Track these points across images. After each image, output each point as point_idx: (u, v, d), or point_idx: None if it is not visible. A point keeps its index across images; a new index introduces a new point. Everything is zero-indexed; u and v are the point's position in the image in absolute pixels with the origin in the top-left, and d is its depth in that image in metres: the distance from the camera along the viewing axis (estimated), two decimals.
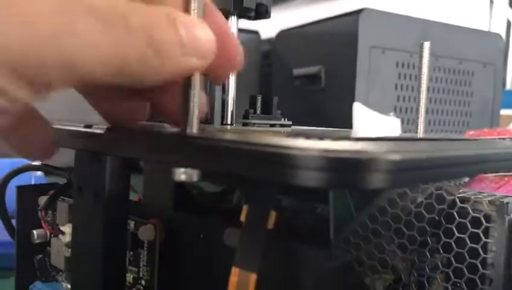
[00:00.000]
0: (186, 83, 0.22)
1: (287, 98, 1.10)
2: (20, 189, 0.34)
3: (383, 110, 0.99)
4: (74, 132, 0.24)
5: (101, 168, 0.23)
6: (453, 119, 1.04)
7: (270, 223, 0.21)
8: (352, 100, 0.89)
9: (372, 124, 0.90)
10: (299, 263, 0.22)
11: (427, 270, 0.34)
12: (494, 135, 0.81)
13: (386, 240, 0.35)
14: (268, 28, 1.18)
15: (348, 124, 0.89)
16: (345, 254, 0.26)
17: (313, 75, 1.01)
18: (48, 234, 0.33)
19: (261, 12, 0.38)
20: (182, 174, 0.21)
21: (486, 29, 1.68)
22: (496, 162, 0.23)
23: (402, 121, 1.04)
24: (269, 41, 1.17)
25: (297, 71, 1.06)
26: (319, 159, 0.16)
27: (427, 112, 1.04)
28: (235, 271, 0.22)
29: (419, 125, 0.36)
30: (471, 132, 0.83)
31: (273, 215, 0.21)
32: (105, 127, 0.23)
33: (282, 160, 0.16)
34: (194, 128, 0.22)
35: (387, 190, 0.25)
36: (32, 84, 0.18)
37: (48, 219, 0.33)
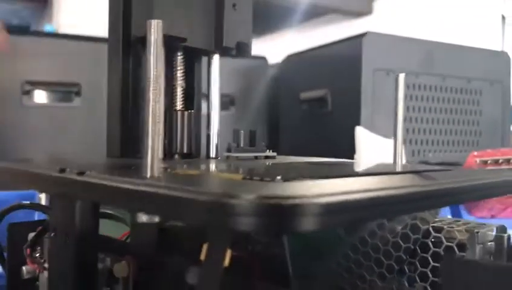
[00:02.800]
0: (146, 131, 0.23)
1: (295, 122, 1.11)
2: (12, 226, 0.35)
3: (389, 132, 0.99)
4: (48, 177, 0.25)
5: (71, 211, 0.25)
6: (463, 139, 1.04)
7: (226, 261, 0.22)
8: (358, 123, 0.89)
9: (374, 148, 0.91)
10: None
11: None
12: (498, 155, 0.81)
13: (367, 270, 0.35)
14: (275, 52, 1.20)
15: (354, 146, 0.89)
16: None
17: (320, 98, 1.02)
18: (37, 269, 0.35)
19: (243, 50, 0.40)
20: (143, 216, 0.22)
21: (499, 47, 1.67)
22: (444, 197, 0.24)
23: (410, 142, 1.04)
24: (276, 66, 1.19)
25: (304, 95, 1.07)
26: (247, 207, 0.17)
27: (435, 132, 1.03)
28: None
29: (397, 156, 0.36)
30: (475, 153, 0.83)
31: (228, 253, 0.22)
32: (76, 171, 0.25)
33: (215, 207, 0.17)
34: (155, 171, 0.23)
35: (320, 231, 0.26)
36: None
37: (37, 255, 0.34)
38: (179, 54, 0.39)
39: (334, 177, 0.24)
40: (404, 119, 0.37)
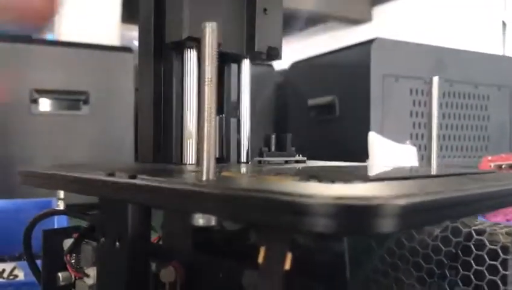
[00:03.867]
0: (201, 134, 0.23)
1: (303, 128, 1.11)
2: (46, 233, 0.35)
3: (399, 138, 0.99)
4: (97, 180, 0.25)
5: (123, 215, 0.24)
6: (471, 145, 1.04)
7: (287, 265, 0.22)
8: (367, 129, 0.90)
9: (387, 154, 0.90)
10: None
11: None
12: None
13: (405, 274, 0.35)
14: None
15: (364, 153, 0.90)
16: None
17: (327, 104, 1.02)
18: (73, 276, 0.34)
19: (273, 55, 0.40)
20: (200, 219, 0.22)
21: (500, 52, 1.68)
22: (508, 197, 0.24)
23: (419, 147, 1.04)
24: (283, 72, 1.19)
25: (311, 101, 1.07)
26: (327, 207, 0.16)
27: (443, 138, 1.04)
28: None
29: (432, 160, 0.36)
30: (490, 157, 0.83)
31: (289, 256, 0.22)
32: (126, 175, 0.24)
33: (293, 208, 0.17)
34: (210, 174, 0.23)
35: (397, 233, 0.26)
36: None
37: (73, 261, 0.34)
38: None
39: (392, 179, 0.24)
40: (440, 126, 0.37)
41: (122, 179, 0.24)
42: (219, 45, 0.37)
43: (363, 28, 2.35)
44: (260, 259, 0.23)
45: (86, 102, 0.97)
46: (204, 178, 0.23)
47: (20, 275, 0.55)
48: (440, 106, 0.99)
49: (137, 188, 0.23)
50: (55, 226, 0.51)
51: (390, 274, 0.35)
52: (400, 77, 0.97)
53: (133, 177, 0.24)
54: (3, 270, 0.56)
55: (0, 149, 0.88)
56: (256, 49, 0.38)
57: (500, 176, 0.30)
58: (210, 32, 0.23)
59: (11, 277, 0.55)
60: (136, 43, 0.40)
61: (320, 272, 0.25)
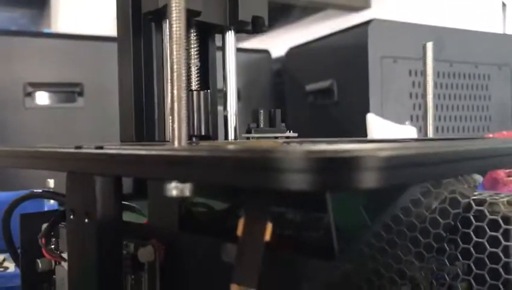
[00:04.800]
0: (172, 99, 0.21)
1: (302, 114, 1.09)
2: (24, 217, 0.33)
3: (399, 120, 0.97)
4: (63, 153, 0.23)
5: (91, 189, 0.23)
6: (473, 125, 1.02)
7: (267, 235, 0.20)
8: (367, 111, 0.88)
9: (386, 135, 0.88)
10: (300, 277, 0.21)
11: (448, 278, 0.32)
12: None
13: (403, 250, 0.33)
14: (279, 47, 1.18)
15: (364, 136, 0.88)
16: (350, 266, 0.24)
17: (326, 89, 1.01)
18: (53, 262, 0.33)
19: (259, 25, 0.38)
20: (173, 189, 0.20)
21: (500, 32, 1.65)
22: (505, 156, 0.22)
23: (419, 129, 1.02)
24: (280, 59, 1.17)
25: (309, 87, 1.05)
26: (301, 161, 0.15)
27: (444, 119, 1.02)
28: (233, 288, 0.21)
29: (428, 127, 0.34)
30: (491, 135, 0.81)
31: (269, 226, 0.20)
32: (94, 146, 0.23)
33: (265, 164, 0.15)
34: (182, 141, 0.21)
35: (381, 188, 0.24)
36: None
37: (51, 246, 0.32)
38: (192, 30, 0.37)
39: (381, 142, 0.22)
40: (436, 107, 0.35)
41: (87, 150, 0.22)
42: (199, 13, 0.35)
43: (363, 15, 2.32)
44: (239, 231, 0.21)
45: (80, 94, 0.95)
46: (175, 145, 0.21)
47: (11, 266, 0.54)
48: (440, 86, 0.97)
49: (102, 158, 0.21)
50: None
51: (388, 251, 0.33)
52: (398, 58, 0.95)
53: (100, 147, 0.22)
54: None
55: None
56: (240, 19, 0.36)
57: (489, 141, 0.28)
58: None
59: (1, 269, 0.54)
60: None
61: (305, 244, 0.23)
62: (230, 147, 0.20)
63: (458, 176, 0.27)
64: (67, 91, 0.95)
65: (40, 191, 0.34)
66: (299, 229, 0.23)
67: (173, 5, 0.22)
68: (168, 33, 0.35)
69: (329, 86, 1.02)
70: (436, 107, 0.98)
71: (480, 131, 1.03)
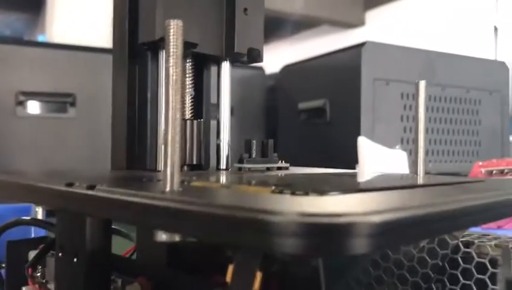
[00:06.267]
0: (165, 139, 0.21)
1: (293, 132, 1.10)
2: (10, 244, 0.33)
3: (389, 142, 0.97)
4: (55, 191, 0.23)
5: (81, 228, 0.23)
6: (462, 149, 1.03)
7: (256, 284, 0.20)
8: (358, 133, 0.88)
9: (377, 159, 0.89)
10: None
11: None
12: (503, 165, 0.80)
13: (390, 287, 0.34)
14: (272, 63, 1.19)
15: (355, 157, 0.88)
16: None
17: (318, 108, 1.01)
18: None
19: (254, 57, 0.38)
20: (163, 234, 0.20)
21: (492, 57, 1.67)
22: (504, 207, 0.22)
23: (410, 152, 1.03)
24: (273, 76, 1.18)
25: (302, 105, 1.06)
26: (294, 225, 0.15)
27: (434, 142, 1.02)
28: None
29: (419, 167, 0.35)
30: (481, 163, 0.82)
31: (258, 275, 0.20)
32: (85, 185, 0.22)
33: (254, 226, 0.15)
34: (174, 185, 0.21)
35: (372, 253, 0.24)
36: None
37: (38, 274, 0.32)
38: (188, 60, 0.37)
39: (374, 191, 0.22)
40: (426, 130, 0.35)
41: (78, 189, 0.22)
42: (195, 45, 0.36)
43: (356, 32, 2.35)
44: (228, 277, 0.21)
45: (73, 104, 0.95)
46: (167, 189, 0.21)
47: None
48: (431, 110, 0.98)
49: (94, 200, 0.21)
50: (33, 235, 0.48)
51: (375, 287, 0.33)
52: (390, 81, 0.95)
53: (92, 187, 0.22)
54: None
55: None
56: (235, 51, 0.37)
57: (488, 185, 0.29)
58: (175, 30, 0.21)
59: None
60: None
61: (292, 283, 0.23)
62: (222, 196, 0.20)
63: (454, 231, 0.27)
64: (60, 101, 0.94)
65: (28, 218, 0.33)
66: (286, 268, 0.23)
67: (171, 43, 0.22)
68: (163, 64, 0.35)
69: (321, 106, 1.02)
70: (426, 130, 0.98)
71: (470, 156, 1.04)
